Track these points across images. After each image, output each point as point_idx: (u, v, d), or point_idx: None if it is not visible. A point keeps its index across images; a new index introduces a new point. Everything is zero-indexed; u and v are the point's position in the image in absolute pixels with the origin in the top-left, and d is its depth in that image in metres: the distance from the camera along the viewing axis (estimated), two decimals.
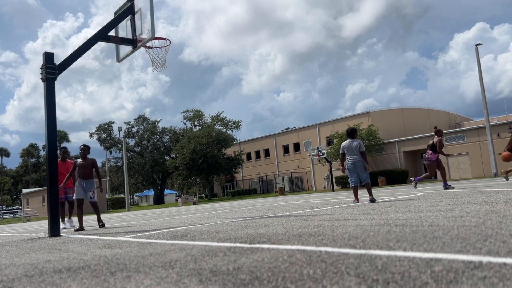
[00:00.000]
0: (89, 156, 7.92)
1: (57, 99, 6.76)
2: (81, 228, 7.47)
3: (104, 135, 60.38)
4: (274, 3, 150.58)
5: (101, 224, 7.83)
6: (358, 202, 7.85)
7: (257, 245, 2.95)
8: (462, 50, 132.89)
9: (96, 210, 7.90)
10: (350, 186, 8.13)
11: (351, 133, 8.23)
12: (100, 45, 8.76)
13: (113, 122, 65.30)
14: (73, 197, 7.78)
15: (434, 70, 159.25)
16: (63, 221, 9.57)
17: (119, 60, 7.69)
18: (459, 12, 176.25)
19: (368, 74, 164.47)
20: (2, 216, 42.41)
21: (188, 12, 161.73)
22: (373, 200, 7.75)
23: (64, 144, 71.66)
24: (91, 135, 61.56)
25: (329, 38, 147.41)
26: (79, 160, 7.84)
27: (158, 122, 62.15)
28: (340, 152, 8.20)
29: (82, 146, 7.86)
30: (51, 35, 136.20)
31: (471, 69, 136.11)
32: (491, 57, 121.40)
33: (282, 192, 36.55)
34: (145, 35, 6.90)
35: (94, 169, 7.85)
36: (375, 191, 16.23)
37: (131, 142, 60.97)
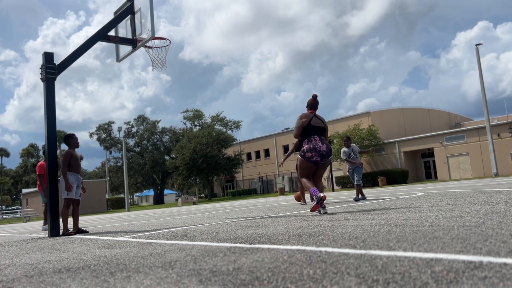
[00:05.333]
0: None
1: (57, 99, 6.75)
2: (68, 231, 6.36)
3: (104, 135, 60.39)
4: (276, 1, 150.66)
5: (85, 230, 6.49)
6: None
7: (257, 245, 2.94)
8: (464, 49, 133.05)
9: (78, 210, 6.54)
10: (360, 184, 9.58)
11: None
12: (101, 44, 8.81)
13: (113, 122, 65.41)
14: (69, 196, 6.29)
15: (436, 69, 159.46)
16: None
17: (119, 60, 7.69)
18: (462, 11, 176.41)
19: (370, 74, 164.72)
20: (2, 216, 42.42)
21: (189, 10, 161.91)
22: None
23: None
24: (91, 135, 61.59)
25: (332, 37, 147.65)
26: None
27: (158, 122, 62.21)
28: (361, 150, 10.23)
29: (75, 135, 6.73)
30: (51, 33, 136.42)
31: (473, 68, 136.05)
32: (493, 56, 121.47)
33: (282, 192, 36.53)
34: (145, 35, 6.90)
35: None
36: (376, 191, 16.23)
37: (131, 142, 60.99)
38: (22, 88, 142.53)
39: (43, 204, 9.45)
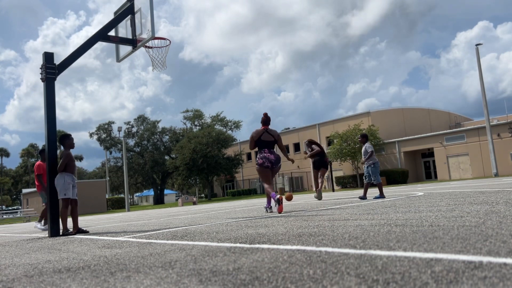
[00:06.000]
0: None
1: (57, 99, 6.73)
2: (68, 231, 6.42)
3: (104, 135, 60.38)
4: (276, 1, 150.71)
5: (85, 230, 6.55)
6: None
7: (257, 245, 2.94)
8: (464, 49, 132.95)
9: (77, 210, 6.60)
10: (378, 182, 9.57)
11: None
12: (101, 44, 8.75)
13: (113, 122, 65.39)
14: (67, 196, 6.32)
15: (436, 69, 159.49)
16: (40, 221, 9.38)
17: (119, 60, 7.69)
18: (462, 10, 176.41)
19: (370, 73, 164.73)
20: (2, 216, 42.43)
21: (189, 10, 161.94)
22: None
23: None
24: (91, 135, 61.57)
25: (332, 37, 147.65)
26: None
27: (158, 122, 62.22)
28: (370, 151, 9.85)
29: (71, 136, 6.69)
30: (51, 33, 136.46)
31: (473, 68, 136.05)
32: (494, 56, 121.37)
33: (282, 192, 36.52)
34: (145, 35, 6.90)
35: None
36: (376, 191, 16.22)
37: (131, 142, 60.98)
38: (22, 88, 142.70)
39: (43, 203, 9.48)
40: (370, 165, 9.76)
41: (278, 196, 6.63)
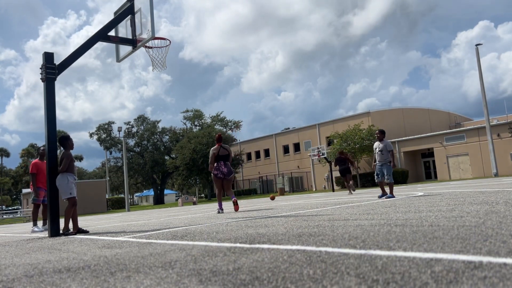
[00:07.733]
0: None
1: (57, 99, 6.72)
2: (69, 230, 6.43)
3: (104, 135, 60.37)
4: (276, 1, 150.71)
5: (85, 230, 6.53)
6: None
7: (257, 245, 2.94)
8: (465, 49, 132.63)
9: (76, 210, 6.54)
10: (391, 181, 9.72)
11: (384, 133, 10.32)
12: (102, 44, 8.73)
13: (113, 122, 65.33)
14: (72, 196, 6.33)
15: (437, 69, 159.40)
16: (36, 224, 9.38)
17: (119, 60, 7.69)
18: (463, 10, 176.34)
19: (370, 73, 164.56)
20: (2, 216, 42.41)
21: (190, 10, 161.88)
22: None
23: None
24: (91, 135, 61.57)
25: (333, 37, 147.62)
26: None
27: (158, 122, 62.23)
28: (392, 149, 9.84)
29: (70, 136, 6.77)
30: (52, 33, 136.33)
31: (474, 68, 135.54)
32: (494, 55, 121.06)
33: (282, 192, 36.54)
34: (145, 35, 6.89)
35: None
36: (376, 191, 16.23)
37: (131, 142, 60.97)
38: (22, 88, 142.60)
39: (32, 202, 9.55)
40: (386, 163, 9.66)
41: (222, 212, 8.98)
